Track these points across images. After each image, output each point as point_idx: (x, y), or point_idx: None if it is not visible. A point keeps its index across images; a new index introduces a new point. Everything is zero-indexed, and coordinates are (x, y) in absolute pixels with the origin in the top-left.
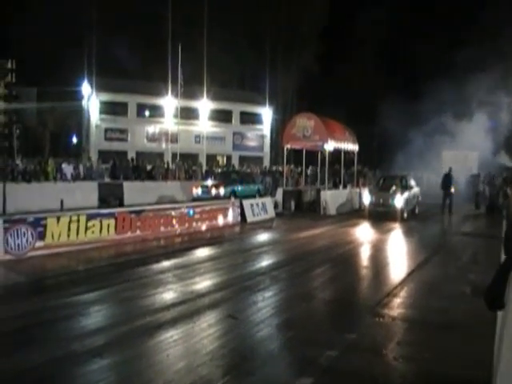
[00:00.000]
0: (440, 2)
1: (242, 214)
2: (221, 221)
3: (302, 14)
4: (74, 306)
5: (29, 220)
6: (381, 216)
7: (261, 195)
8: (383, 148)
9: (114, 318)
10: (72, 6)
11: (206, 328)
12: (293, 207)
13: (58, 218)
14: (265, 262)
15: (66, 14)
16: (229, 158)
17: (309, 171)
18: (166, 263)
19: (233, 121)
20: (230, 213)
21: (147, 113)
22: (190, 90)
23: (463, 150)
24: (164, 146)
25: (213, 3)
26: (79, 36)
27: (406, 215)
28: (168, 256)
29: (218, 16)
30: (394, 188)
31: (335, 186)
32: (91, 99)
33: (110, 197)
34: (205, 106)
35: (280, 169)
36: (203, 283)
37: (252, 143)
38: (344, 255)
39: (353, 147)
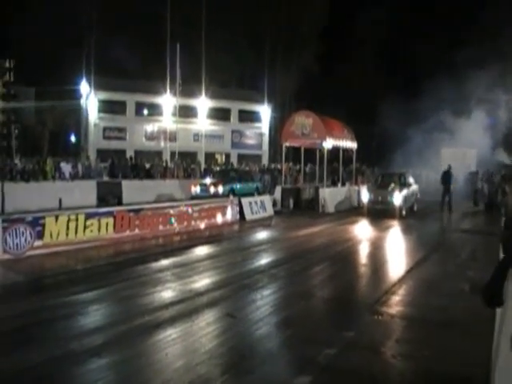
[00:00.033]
0: (440, 2)
1: (241, 212)
2: (219, 219)
3: (302, 13)
4: (72, 305)
5: (27, 219)
6: (379, 213)
7: (259, 193)
8: (382, 146)
9: (112, 317)
10: (71, 5)
11: (205, 326)
12: (291, 205)
13: (57, 217)
14: (263, 260)
15: (64, 13)
16: (227, 156)
17: (307, 169)
18: (164, 262)
19: (231, 119)
20: (229, 211)
21: (146, 111)
22: (188, 89)
23: (462, 148)
24: (162, 144)
25: (212, 2)
26: (78, 35)
27: (404, 212)
28: (167, 254)
29: (217, 15)
30: (392, 185)
31: (334, 183)
32: (90, 98)
33: (109, 195)
34: (203, 104)
35: (278, 167)
36: (202, 282)
37: (251, 141)
38: (343, 253)
39: (351, 145)
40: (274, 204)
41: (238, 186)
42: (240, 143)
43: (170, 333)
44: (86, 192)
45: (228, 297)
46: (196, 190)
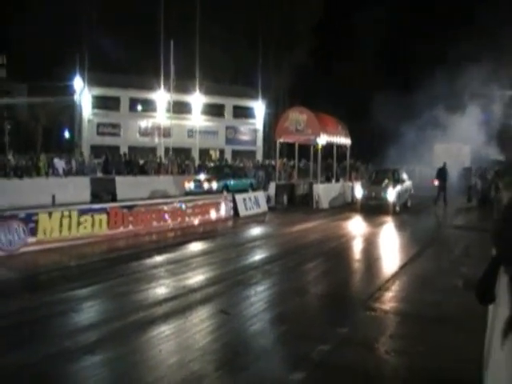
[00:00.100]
0: (440, 2)
1: (235, 208)
2: (213, 215)
3: (297, 9)
4: (66, 301)
5: (20, 216)
6: (373, 209)
7: (253, 189)
8: (376, 142)
9: (106, 314)
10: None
11: (199, 323)
12: (285, 201)
13: (50, 214)
14: (257, 256)
15: (57, 9)
16: (222, 152)
17: (301, 165)
18: (158, 258)
19: (225, 115)
20: (223, 207)
21: (140, 107)
22: (182, 84)
23: (455, 143)
24: (157, 140)
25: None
26: (71, 31)
27: (398, 208)
28: (160, 251)
29: (212, 11)
30: (386, 181)
31: (328, 179)
32: (83, 94)
33: (103, 192)
34: (197, 100)
35: (273, 163)
36: (196, 278)
37: (245, 137)
38: (336, 249)
39: (345, 141)
40: (268, 200)
41: (232, 182)
42: (234, 139)
43: (164, 329)
44: (79, 188)
45: (222, 293)
46: (190, 186)
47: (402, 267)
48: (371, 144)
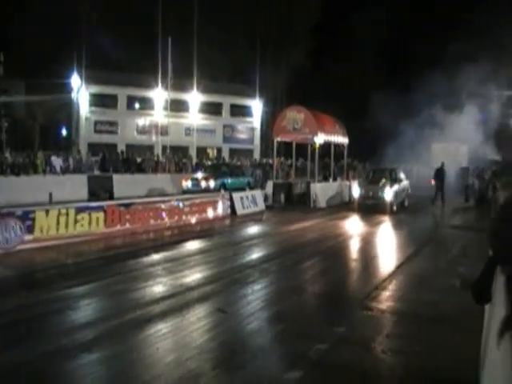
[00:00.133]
0: (440, 2)
1: (232, 207)
2: (211, 213)
3: (294, 10)
4: (64, 299)
5: (17, 213)
6: (370, 209)
7: (251, 188)
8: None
9: (103, 312)
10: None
11: (196, 321)
12: (283, 200)
13: (47, 212)
14: (255, 254)
15: (54, 6)
16: (219, 150)
17: (299, 164)
18: (155, 256)
19: (223, 113)
20: (220, 205)
21: (137, 105)
22: (180, 83)
23: (453, 143)
24: (154, 138)
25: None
26: (69, 28)
27: (395, 208)
28: (157, 249)
29: (209, 10)
30: (383, 181)
31: (325, 178)
32: (81, 91)
33: (100, 190)
34: (195, 98)
35: (270, 161)
36: (193, 276)
37: (242, 136)
38: (334, 248)
39: (343, 140)
40: (266, 199)
41: (230, 181)
42: (232, 138)
43: (161, 327)
44: (76, 186)
45: (219, 291)
46: (187, 184)
47: (399, 266)
48: (369, 143)
